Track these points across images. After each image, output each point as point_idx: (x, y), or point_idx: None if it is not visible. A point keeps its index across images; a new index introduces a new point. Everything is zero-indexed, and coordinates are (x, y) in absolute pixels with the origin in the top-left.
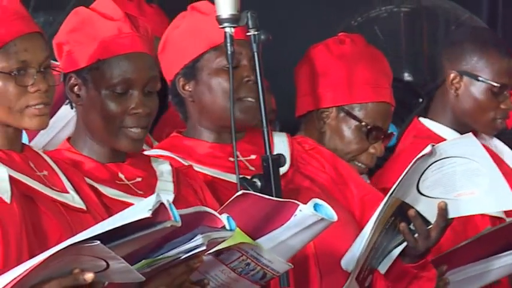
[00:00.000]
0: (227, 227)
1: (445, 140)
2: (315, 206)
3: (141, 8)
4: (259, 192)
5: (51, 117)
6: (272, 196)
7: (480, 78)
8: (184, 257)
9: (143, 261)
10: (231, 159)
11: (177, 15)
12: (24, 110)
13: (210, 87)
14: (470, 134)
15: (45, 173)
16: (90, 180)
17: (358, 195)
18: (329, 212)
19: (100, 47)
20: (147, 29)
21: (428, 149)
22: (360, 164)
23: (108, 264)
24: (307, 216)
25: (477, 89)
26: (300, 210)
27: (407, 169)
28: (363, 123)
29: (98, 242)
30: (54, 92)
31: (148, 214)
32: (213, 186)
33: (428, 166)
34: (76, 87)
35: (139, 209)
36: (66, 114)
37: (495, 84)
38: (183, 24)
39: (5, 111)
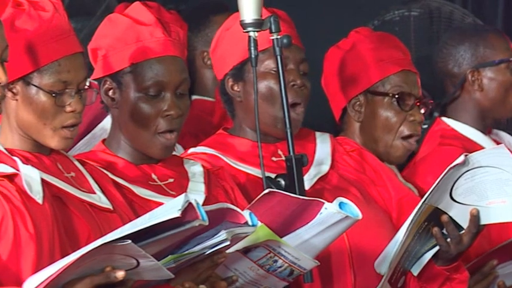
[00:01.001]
0: (249, 222)
1: (469, 139)
2: (340, 205)
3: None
4: (284, 190)
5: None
6: (295, 193)
7: (496, 61)
8: (208, 252)
9: (169, 256)
10: (274, 158)
11: (230, 17)
12: (58, 129)
13: (258, 91)
14: (502, 145)
15: (73, 174)
16: (123, 181)
17: (395, 197)
18: (354, 210)
19: (133, 51)
20: (179, 33)
21: (461, 158)
22: (405, 143)
23: (138, 262)
24: (332, 214)
25: (496, 73)
26: (326, 209)
27: (440, 177)
28: (390, 95)
29: (129, 241)
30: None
31: (177, 214)
32: (254, 185)
33: (462, 175)
34: (111, 91)
35: (169, 208)
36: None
37: (511, 59)
38: (234, 26)
39: (38, 127)
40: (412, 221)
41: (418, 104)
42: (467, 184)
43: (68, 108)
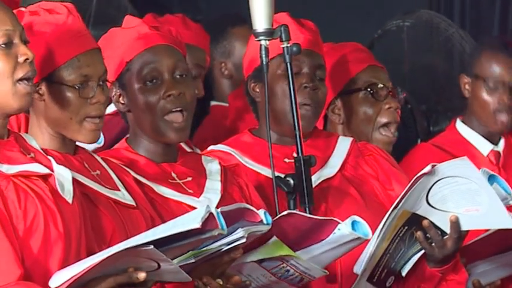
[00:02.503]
0: (264, 221)
1: (467, 141)
2: (353, 223)
3: (186, 22)
4: (292, 189)
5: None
6: (303, 192)
7: (479, 76)
8: (225, 248)
9: (190, 252)
10: (286, 160)
11: None
12: (83, 121)
13: (273, 91)
14: (465, 157)
15: (98, 172)
16: (144, 179)
17: None
18: (365, 230)
19: (125, 52)
20: (170, 30)
21: (428, 168)
22: (383, 131)
23: (159, 265)
24: (345, 235)
25: (480, 88)
26: (339, 229)
27: (408, 186)
28: (363, 89)
29: (152, 246)
30: (107, 102)
31: (198, 225)
32: (264, 184)
33: (435, 183)
34: (120, 97)
35: (191, 219)
36: None
37: (491, 79)
38: None
39: (66, 121)
40: (383, 225)
41: (391, 93)
42: (441, 192)
43: (93, 100)
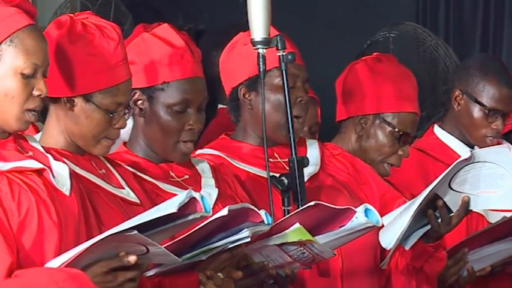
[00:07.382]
0: (265, 221)
1: (447, 145)
2: (366, 211)
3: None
4: (286, 187)
5: None
6: (296, 190)
7: (477, 100)
8: (230, 246)
9: (199, 249)
10: (271, 160)
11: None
12: (101, 139)
13: (269, 101)
14: (505, 145)
15: (104, 171)
16: (150, 178)
17: (378, 194)
18: (377, 218)
19: (166, 71)
20: (199, 54)
21: (468, 154)
22: (386, 166)
23: (147, 249)
24: (362, 223)
25: (474, 109)
26: (356, 218)
27: (447, 170)
28: (396, 130)
29: (135, 231)
30: None
31: (174, 210)
32: (253, 182)
33: (462, 167)
34: (140, 102)
35: (170, 205)
36: None
37: (489, 107)
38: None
39: (86, 137)
40: (418, 206)
41: (411, 141)
42: (464, 175)
43: (117, 125)
